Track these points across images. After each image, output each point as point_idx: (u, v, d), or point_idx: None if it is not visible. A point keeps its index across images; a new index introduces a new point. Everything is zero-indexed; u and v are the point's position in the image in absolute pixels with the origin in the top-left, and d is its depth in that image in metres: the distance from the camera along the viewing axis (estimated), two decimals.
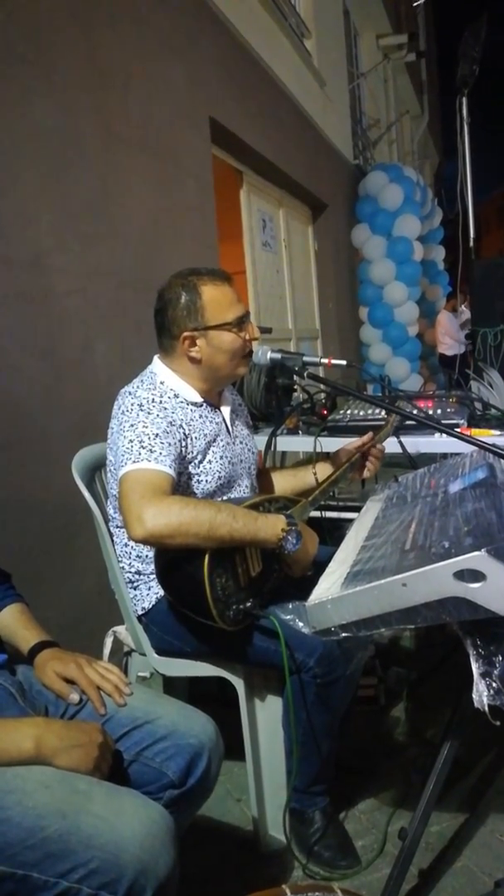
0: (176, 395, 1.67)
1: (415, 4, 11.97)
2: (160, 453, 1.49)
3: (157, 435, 1.52)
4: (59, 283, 2.43)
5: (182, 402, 1.67)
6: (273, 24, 5.05)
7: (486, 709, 1.09)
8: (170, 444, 1.53)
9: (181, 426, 1.61)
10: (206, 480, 1.68)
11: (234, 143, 4.31)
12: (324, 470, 1.90)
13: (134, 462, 1.47)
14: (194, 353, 1.65)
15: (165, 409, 1.60)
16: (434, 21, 16.63)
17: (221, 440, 1.73)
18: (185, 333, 1.64)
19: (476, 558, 1.05)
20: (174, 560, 1.46)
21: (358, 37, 9.10)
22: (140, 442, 1.50)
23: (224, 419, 1.78)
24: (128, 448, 1.49)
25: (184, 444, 1.61)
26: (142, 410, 1.56)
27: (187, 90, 3.52)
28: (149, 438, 1.51)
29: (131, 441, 1.50)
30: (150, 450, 1.49)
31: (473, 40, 4.92)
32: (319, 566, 1.42)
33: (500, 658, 1.12)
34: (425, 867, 1.63)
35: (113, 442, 1.59)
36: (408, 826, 1.42)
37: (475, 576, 1.05)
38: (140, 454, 1.48)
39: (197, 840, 1.68)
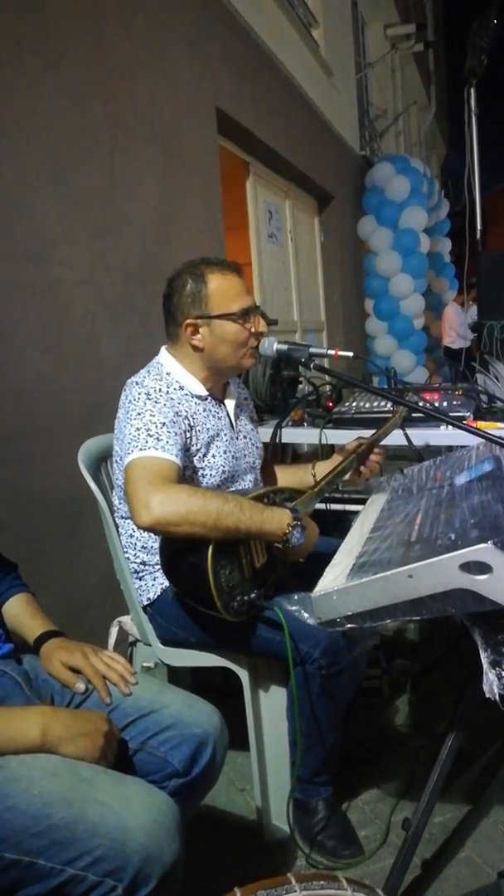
0: (181, 388, 1.67)
1: None
2: (167, 442, 1.50)
3: (163, 424, 1.53)
4: (65, 274, 2.43)
5: (187, 394, 1.67)
6: (280, 13, 5.02)
7: (497, 697, 1.09)
8: (176, 434, 1.54)
9: (186, 417, 1.62)
10: (210, 475, 1.68)
11: (241, 133, 4.29)
12: (323, 470, 1.90)
13: (141, 450, 1.47)
14: (196, 342, 1.65)
15: (172, 399, 1.61)
16: (442, 11, 16.47)
17: (225, 435, 1.73)
18: (189, 321, 1.64)
19: (482, 550, 1.04)
20: (179, 551, 1.46)
21: (365, 27, 9.03)
22: (147, 430, 1.50)
23: (228, 414, 1.78)
24: (135, 436, 1.50)
25: (188, 435, 1.61)
26: (149, 399, 1.56)
27: (194, 81, 3.51)
28: (156, 427, 1.51)
29: (138, 429, 1.51)
30: (158, 438, 1.49)
31: (482, 31, 4.88)
32: (324, 557, 1.42)
33: None
34: (428, 857, 1.63)
35: (120, 430, 1.59)
36: (411, 816, 1.43)
37: (481, 568, 1.05)
38: (147, 442, 1.48)
39: (201, 829, 1.69)
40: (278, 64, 4.89)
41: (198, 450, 1.65)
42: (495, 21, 4.74)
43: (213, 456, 1.69)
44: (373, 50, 9.17)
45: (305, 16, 5.83)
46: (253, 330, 1.67)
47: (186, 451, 1.60)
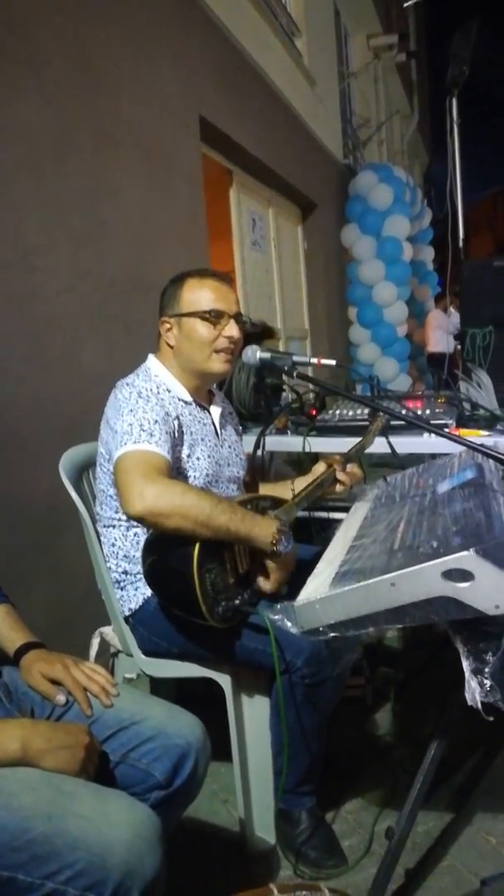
0: (168, 391, 1.70)
1: (405, 5, 11.99)
2: (159, 438, 1.52)
3: (155, 421, 1.54)
4: (47, 282, 2.42)
5: (174, 397, 1.70)
6: (264, 23, 5.05)
7: (479, 706, 1.09)
8: (167, 432, 1.55)
9: (176, 417, 1.64)
10: (194, 476, 1.68)
11: (224, 141, 4.30)
12: (301, 485, 1.90)
13: (135, 443, 1.49)
14: (169, 339, 1.72)
15: (162, 399, 1.64)
16: (425, 22, 16.64)
17: (209, 441, 1.74)
18: (164, 318, 1.72)
19: (464, 558, 1.05)
20: (162, 557, 1.46)
21: (348, 36, 9.11)
22: (140, 425, 1.52)
23: (213, 421, 1.80)
24: (127, 430, 1.51)
25: (176, 435, 1.62)
26: (140, 398, 1.59)
27: (177, 89, 3.51)
28: (148, 423, 1.53)
29: (131, 424, 1.52)
30: (150, 433, 1.51)
31: (464, 41, 4.93)
32: (306, 565, 1.42)
33: (491, 655, 1.12)
34: (412, 866, 1.63)
35: (109, 428, 1.60)
36: (394, 825, 1.43)
37: (463, 575, 1.05)
38: (140, 436, 1.50)
39: (183, 841, 1.68)
40: (262, 73, 4.92)
41: (182, 450, 1.67)
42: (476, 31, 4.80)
43: (198, 458, 1.70)
44: (356, 60, 9.25)
45: (288, 26, 5.87)
46: (222, 333, 1.68)
47: (174, 450, 1.61)
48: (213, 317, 1.67)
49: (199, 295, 1.68)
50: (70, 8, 2.60)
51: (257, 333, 3.63)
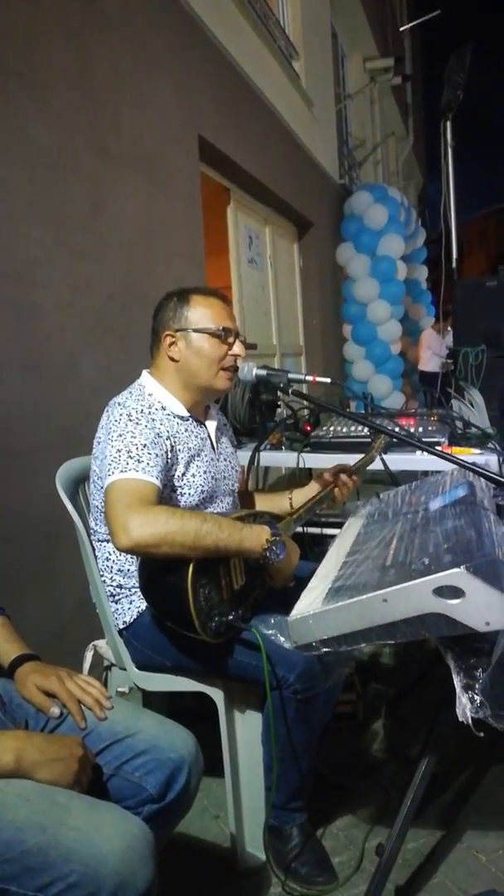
0: (163, 408, 1.69)
1: (401, 29, 12.19)
2: (147, 463, 1.51)
3: (144, 446, 1.54)
4: (46, 296, 2.44)
5: (169, 414, 1.69)
6: (262, 45, 5.13)
7: (470, 721, 1.10)
8: (157, 455, 1.55)
9: (168, 438, 1.63)
10: (189, 493, 1.69)
11: (223, 160, 4.36)
12: (299, 496, 1.93)
13: (121, 472, 1.48)
14: (173, 353, 1.70)
15: (153, 420, 1.62)
16: (420, 46, 16.93)
17: (205, 455, 1.75)
18: (167, 332, 1.70)
19: (455, 575, 1.07)
20: (158, 571, 1.47)
21: (345, 59, 9.25)
22: (128, 452, 1.51)
23: (209, 435, 1.80)
24: (115, 457, 1.51)
25: (169, 455, 1.63)
26: (130, 421, 1.58)
27: (177, 108, 3.56)
28: (136, 449, 1.52)
29: (119, 451, 1.52)
30: (138, 460, 1.51)
31: (458, 66, 5.02)
32: (301, 581, 1.43)
33: (481, 671, 1.13)
34: (402, 884, 1.63)
35: (100, 451, 1.60)
36: (385, 842, 1.43)
37: (454, 592, 1.07)
38: (128, 464, 1.49)
39: (174, 857, 1.67)
40: (260, 94, 4.99)
41: (178, 469, 1.66)
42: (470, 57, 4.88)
43: (193, 475, 1.70)
44: (352, 82, 9.39)
45: (287, 48, 5.95)
46: (230, 352, 1.70)
47: (167, 470, 1.61)
48: (224, 335, 1.69)
49: (209, 312, 1.70)
50: (72, 25, 2.65)
51: None
